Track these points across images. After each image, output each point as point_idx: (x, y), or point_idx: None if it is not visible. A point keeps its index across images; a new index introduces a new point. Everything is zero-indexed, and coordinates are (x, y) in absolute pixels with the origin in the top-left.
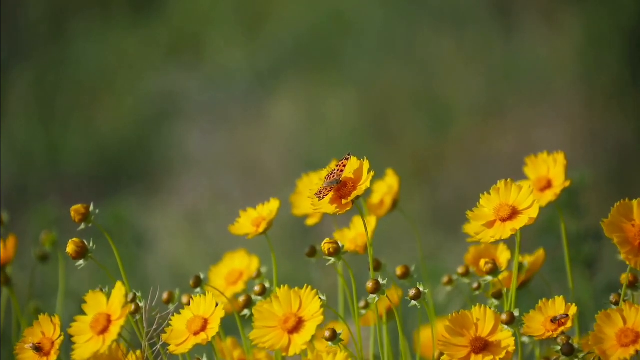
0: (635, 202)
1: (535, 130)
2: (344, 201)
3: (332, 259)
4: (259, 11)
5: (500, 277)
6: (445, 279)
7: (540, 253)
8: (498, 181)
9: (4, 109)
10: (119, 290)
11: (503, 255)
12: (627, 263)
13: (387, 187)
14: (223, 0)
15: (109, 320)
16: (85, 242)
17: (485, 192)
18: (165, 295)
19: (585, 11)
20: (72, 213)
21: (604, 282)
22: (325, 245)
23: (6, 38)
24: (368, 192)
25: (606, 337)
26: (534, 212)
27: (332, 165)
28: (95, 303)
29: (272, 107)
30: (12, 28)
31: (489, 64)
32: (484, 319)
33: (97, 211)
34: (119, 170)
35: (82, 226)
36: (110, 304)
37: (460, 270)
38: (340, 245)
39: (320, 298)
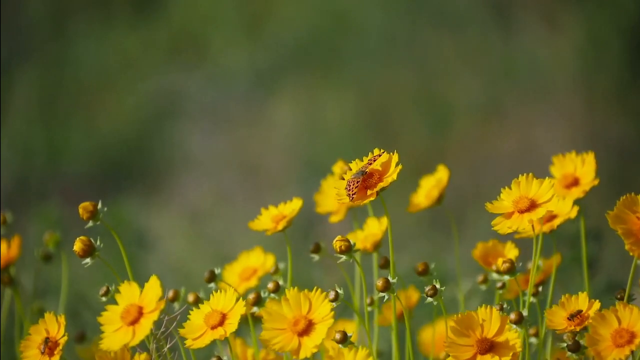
0: None
1: (535, 130)
2: (369, 192)
3: (344, 257)
4: (259, 11)
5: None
6: (480, 277)
7: (556, 255)
8: (515, 178)
9: (5, 108)
10: (154, 282)
11: (511, 253)
12: (631, 254)
13: (435, 180)
14: (224, 0)
15: (140, 312)
16: (92, 240)
17: (506, 187)
18: (170, 294)
19: (585, 12)
20: (80, 210)
21: (604, 282)
22: (337, 243)
23: (7, 38)
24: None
25: (601, 338)
26: (552, 206)
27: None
28: (129, 294)
29: (272, 107)
30: (13, 28)
31: (489, 64)
32: (489, 320)
33: (105, 209)
34: (120, 170)
35: (90, 224)
36: (143, 296)
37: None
38: (352, 243)
39: (337, 292)
